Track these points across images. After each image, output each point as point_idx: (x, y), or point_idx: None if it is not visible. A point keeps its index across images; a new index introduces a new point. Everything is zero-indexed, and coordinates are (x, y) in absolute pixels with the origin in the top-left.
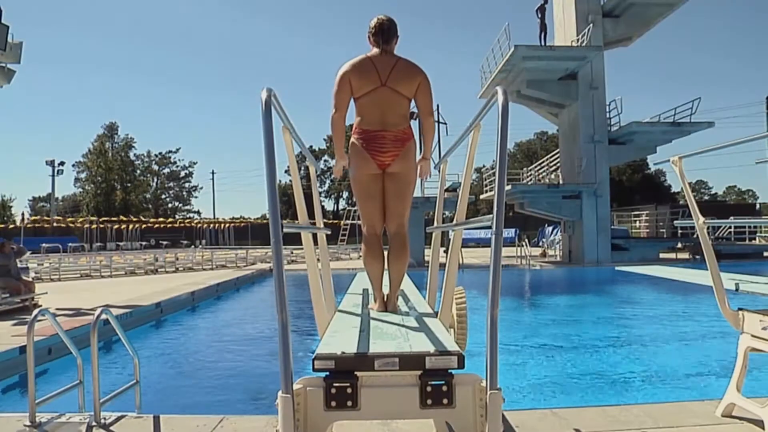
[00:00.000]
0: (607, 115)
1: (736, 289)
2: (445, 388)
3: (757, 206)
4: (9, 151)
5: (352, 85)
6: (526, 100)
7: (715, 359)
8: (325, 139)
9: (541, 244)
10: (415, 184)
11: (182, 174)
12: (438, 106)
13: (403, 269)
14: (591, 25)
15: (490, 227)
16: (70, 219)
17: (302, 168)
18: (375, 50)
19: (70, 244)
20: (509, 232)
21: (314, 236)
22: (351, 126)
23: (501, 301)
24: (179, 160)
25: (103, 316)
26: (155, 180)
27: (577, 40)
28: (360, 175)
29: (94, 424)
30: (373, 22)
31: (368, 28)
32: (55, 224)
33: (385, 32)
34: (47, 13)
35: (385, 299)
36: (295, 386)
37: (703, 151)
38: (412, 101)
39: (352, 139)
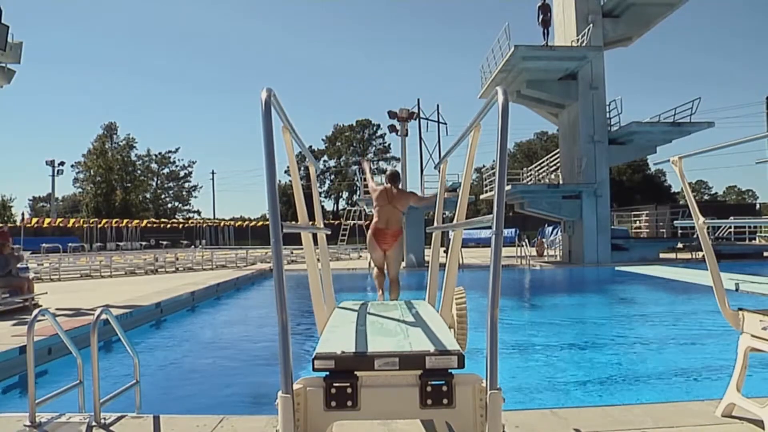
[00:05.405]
0: (607, 115)
1: (736, 289)
2: (445, 388)
3: (757, 206)
4: (9, 151)
5: (374, 197)
6: (526, 100)
7: (715, 359)
8: (323, 140)
9: (538, 243)
10: (402, 255)
11: (182, 174)
12: (438, 105)
13: (396, 291)
14: (591, 25)
15: (490, 227)
16: (72, 219)
17: (302, 168)
18: (388, 185)
19: (70, 244)
20: (509, 232)
21: (314, 236)
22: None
23: (501, 301)
24: (179, 159)
25: (103, 316)
26: (155, 180)
27: (577, 40)
28: (373, 255)
29: (94, 424)
30: (388, 172)
31: (386, 174)
32: (54, 224)
33: (393, 177)
34: (47, 13)
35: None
36: (295, 386)
37: (703, 151)
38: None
39: (369, 233)
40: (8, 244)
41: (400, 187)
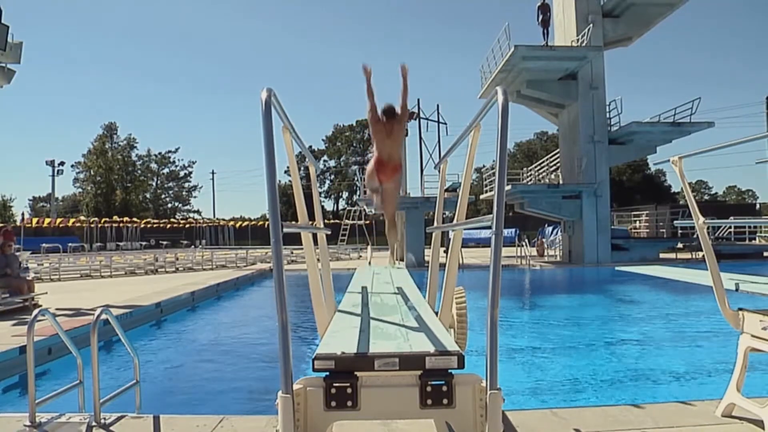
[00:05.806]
0: (607, 115)
1: (736, 289)
2: (445, 388)
3: (757, 206)
4: (9, 151)
5: (372, 129)
6: (526, 100)
7: (715, 359)
8: (323, 140)
9: (538, 243)
10: (399, 194)
11: (182, 174)
12: (438, 105)
13: (394, 233)
14: (591, 25)
15: (490, 227)
16: (72, 219)
17: (302, 168)
18: (385, 118)
19: (70, 244)
20: (509, 232)
21: (314, 236)
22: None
23: (501, 301)
24: (179, 159)
25: (103, 316)
26: (155, 180)
27: (577, 40)
28: (370, 186)
29: (94, 424)
30: (384, 107)
31: (382, 108)
32: (54, 224)
33: (389, 111)
34: (47, 13)
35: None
36: (295, 386)
37: (703, 151)
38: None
39: (370, 165)
40: (12, 244)
41: (395, 118)
